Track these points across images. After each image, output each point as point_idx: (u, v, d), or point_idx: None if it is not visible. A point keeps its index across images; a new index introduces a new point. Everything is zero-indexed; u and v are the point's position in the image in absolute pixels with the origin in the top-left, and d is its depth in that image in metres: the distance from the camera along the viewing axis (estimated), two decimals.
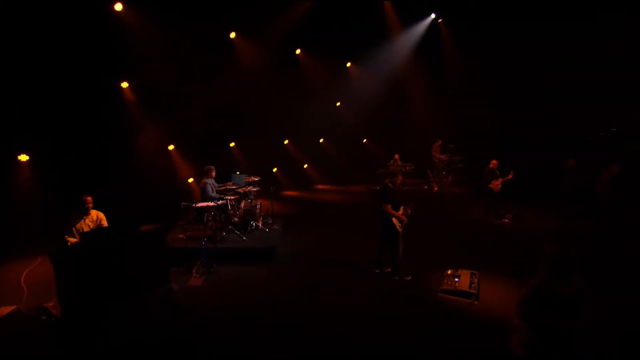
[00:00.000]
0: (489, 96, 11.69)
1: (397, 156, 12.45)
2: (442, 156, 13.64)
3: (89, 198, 4.95)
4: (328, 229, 8.49)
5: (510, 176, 8.86)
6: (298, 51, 12.25)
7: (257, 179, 7.86)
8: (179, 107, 8.96)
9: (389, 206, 5.41)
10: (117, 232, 4.16)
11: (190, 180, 9.98)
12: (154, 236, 4.39)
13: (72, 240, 4.65)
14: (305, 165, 14.82)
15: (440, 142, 13.83)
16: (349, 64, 14.08)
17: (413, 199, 5.84)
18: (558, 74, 10.18)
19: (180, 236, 6.78)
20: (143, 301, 4.22)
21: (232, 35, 10.05)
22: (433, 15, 11.87)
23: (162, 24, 8.01)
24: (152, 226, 4.50)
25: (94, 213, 5.03)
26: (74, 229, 4.82)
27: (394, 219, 5.46)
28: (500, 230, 8.32)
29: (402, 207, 5.62)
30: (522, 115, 11.15)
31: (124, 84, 8.12)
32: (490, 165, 9.12)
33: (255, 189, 7.30)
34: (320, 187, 14.21)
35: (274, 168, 13.46)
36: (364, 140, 16.28)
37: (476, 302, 4.89)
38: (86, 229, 4.81)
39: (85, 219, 4.96)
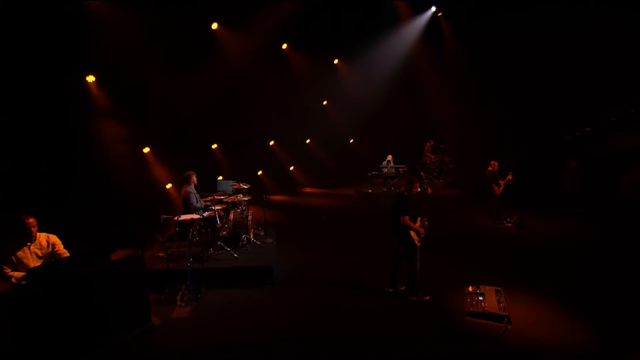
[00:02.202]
0: (487, 95, 11.35)
1: (390, 157, 11.90)
2: (433, 157, 13.28)
3: (30, 220, 3.71)
4: (325, 240, 7.76)
5: (509, 177, 8.54)
6: (284, 46, 11.43)
7: (246, 186, 7.00)
8: (156, 105, 7.93)
9: (407, 218, 4.77)
10: (78, 265, 3.18)
11: (169, 186, 8.95)
12: (129, 265, 3.48)
13: (17, 275, 3.54)
14: (292, 168, 14.04)
15: (431, 142, 13.46)
16: (336, 61, 13.42)
17: (429, 209, 5.21)
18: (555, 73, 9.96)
19: (160, 255, 5.86)
20: (116, 349, 3.34)
21: (214, 26, 9.09)
22: (433, 8, 11.36)
23: (138, 12, 7.00)
24: (126, 252, 3.57)
25: (42, 237, 3.81)
26: (13, 258, 3.66)
27: (412, 232, 4.82)
28: (506, 235, 7.92)
29: (419, 218, 5.00)
30: (518, 114, 10.87)
31: (90, 78, 7.02)
32: (490, 167, 8.74)
33: (246, 198, 6.45)
34: (308, 190, 13.50)
35: (258, 171, 12.58)
36: (351, 141, 15.71)
37: (509, 327, 4.33)
38: (32, 260, 3.68)
39: (29, 246, 3.72)
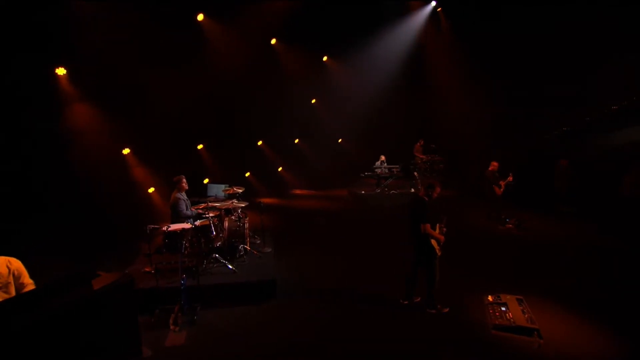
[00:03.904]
0: (481, 93, 11.21)
1: (383, 157, 11.57)
2: (423, 156, 13.10)
3: None
4: (323, 246, 7.29)
5: (509, 178, 8.38)
6: (273, 41, 10.84)
7: (240, 190, 6.42)
8: (138, 102, 7.19)
9: (429, 226, 4.38)
10: (51, 298, 2.46)
11: (151, 190, 8.20)
12: (116, 294, 2.85)
13: None
14: (280, 169, 13.47)
15: (422, 142, 13.26)
16: (325, 58, 12.95)
17: (445, 213, 4.83)
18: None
19: (147, 270, 5.19)
20: None
21: (200, 17, 8.41)
22: (433, 3, 11.04)
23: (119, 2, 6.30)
24: (111, 276, 2.93)
25: (1, 263, 2.88)
26: None
27: (433, 241, 4.43)
28: (508, 237, 7.73)
29: (437, 225, 4.61)
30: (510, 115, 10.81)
31: (60, 71, 6.23)
32: (491, 168, 8.56)
33: (242, 204, 5.86)
34: (298, 192, 12.99)
35: (246, 173, 11.94)
36: (339, 140, 15.31)
37: (541, 341, 4.01)
38: None
39: None
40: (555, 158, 9.99)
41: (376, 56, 11.90)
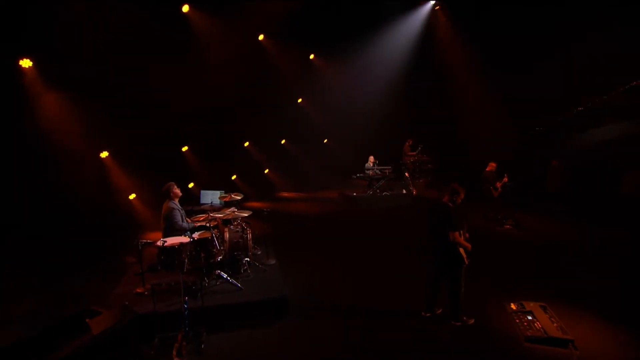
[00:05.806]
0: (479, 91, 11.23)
1: (372, 158, 11.32)
2: (412, 157, 13.00)
3: None
4: (325, 253, 6.87)
5: (505, 179, 8.37)
6: (261, 37, 10.27)
7: (239, 197, 5.88)
8: (115, 99, 6.45)
9: (457, 234, 4.10)
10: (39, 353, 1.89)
11: (132, 196, 7.44)
12: (118, 335, 2.30)
13: None
14: (266, 171, 12.92)
15: (410, 141, 13.14)
16: (312, 56, 12.52)
17: (466, 219, 4.59)
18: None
19: (139, 291, 4.58)
20: None
21: (185, 8, 7.72)
22: (432, 2, 10.85)
23: None
24: (112, 315, 2.37)
25: None
26: None
27: (461, 249, 4.16)
28: (508, 238, 7.68)
29: (461, 232, 4.35)
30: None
31: (25, 62, 5.41)
32: (489, 168, 8.54)
33: (245, 214, 5.33)
34: (285, 195, 12.49)
35: (232, 176, 11.31)
36: (325, 141, 14.96)
37: (577, 352, 3.84)
38: None
39: None
40: (542, 157, 10.18)
41: (370, 56, 11.65)
